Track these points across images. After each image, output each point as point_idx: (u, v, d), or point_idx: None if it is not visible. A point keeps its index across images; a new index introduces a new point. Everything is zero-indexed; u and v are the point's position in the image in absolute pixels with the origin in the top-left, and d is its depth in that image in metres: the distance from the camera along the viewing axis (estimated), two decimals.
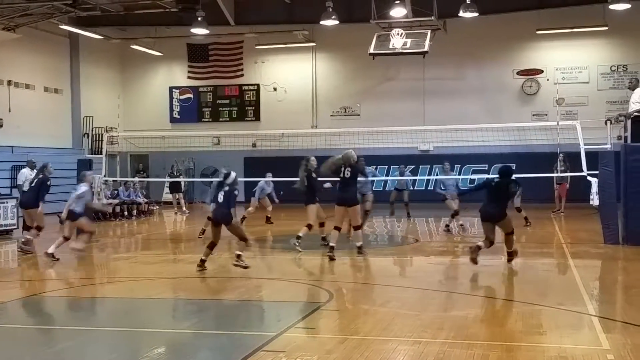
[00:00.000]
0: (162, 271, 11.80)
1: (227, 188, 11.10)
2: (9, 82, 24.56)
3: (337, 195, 12.30)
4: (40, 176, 14.33)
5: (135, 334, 7.56)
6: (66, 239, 12.76)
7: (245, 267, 10.97)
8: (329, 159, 12.73)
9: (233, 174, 11.29)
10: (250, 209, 18.45)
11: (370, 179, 15.72)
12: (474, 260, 10.89)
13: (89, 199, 13.27)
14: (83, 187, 12.98)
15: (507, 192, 11.13)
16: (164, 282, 10.68)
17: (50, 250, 12.36)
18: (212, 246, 11.18)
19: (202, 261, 11.08)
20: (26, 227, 14.74)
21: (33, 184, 14.36)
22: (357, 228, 12.47)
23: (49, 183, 14.30)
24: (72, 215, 12.72)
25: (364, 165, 13.47)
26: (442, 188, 16.40)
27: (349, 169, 12.19)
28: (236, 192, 11.22)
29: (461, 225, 16.48)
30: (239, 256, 11.09)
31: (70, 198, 12.88)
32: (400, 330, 7.31)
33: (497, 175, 11.27)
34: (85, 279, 11.60)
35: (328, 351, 6.52)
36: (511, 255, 11.33)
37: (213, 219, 11.40)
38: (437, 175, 15.74)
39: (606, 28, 24.91)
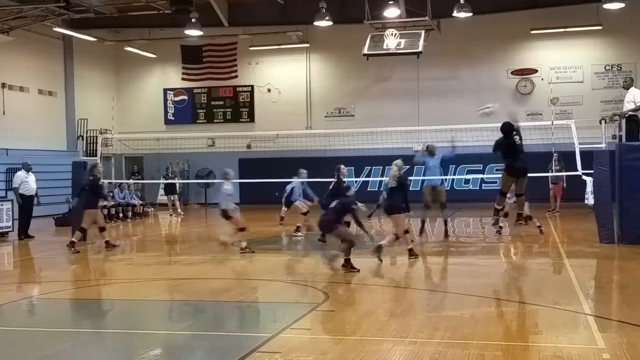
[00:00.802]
0: (158, 273, 11.79)
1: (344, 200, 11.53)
2: (3, 85, 24.51)
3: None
4: (91, 177, 14.76)
5: (131, 335, 7.55)
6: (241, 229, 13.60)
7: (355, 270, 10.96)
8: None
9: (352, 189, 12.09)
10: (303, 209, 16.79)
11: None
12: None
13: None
14: (228, 185, 13.72)
15: (520, 144, 12.48)
16: (160, 284, 10.67)
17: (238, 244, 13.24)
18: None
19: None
20: (82, 230, 14.80)
21: (87, 186, 14.73)
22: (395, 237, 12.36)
23: (100, 182, 15.14)
24: (225, 213, 13.47)
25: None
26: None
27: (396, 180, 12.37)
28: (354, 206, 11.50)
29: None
30: (347, 261, 11.05)
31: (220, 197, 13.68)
32: (396, 330, 7.32)
33: (502, 135, 12.51)
34: (80, 281, 11.59)
35: (324, 352, 6.52)
36: (528, 219, 12.75)
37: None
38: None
39: (600, 27, 24.98)
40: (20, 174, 17.45)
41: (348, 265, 10.95)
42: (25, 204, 17.28)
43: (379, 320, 7.79)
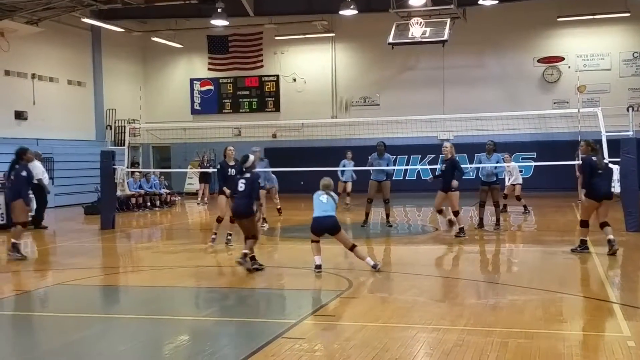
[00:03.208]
0: (184, 260, 11.93)
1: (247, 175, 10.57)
2: (33, 76, 24.87)
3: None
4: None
5: (158, 321, 7.68)
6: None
7: None
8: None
9: (252, 157, 10.71)
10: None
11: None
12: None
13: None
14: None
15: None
16: (186, 271, 10.81)
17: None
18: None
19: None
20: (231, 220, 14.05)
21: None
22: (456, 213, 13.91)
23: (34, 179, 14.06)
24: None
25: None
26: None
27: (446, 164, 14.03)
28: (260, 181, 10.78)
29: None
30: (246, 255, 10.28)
31: None
32: (419, 317, 7.35)
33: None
34: (109, 267, 11.79)
35: (347, 338, 6.58)
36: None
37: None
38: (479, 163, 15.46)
39: (628, 14, 24.65)
40: (39, 164, 17.22)
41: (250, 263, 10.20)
42: (38, 194, 16.89)
43: (402, 307, 7.84)
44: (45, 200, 17.50)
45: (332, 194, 10.24)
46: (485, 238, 14.12)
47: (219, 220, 13.31)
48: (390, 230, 15.69)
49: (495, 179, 15.25)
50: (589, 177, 11.12)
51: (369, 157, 16.19)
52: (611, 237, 11.16)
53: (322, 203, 10.09)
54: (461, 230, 13.79)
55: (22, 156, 12.70)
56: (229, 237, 13.07)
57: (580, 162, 19.76)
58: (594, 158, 11.14)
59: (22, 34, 23.25)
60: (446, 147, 14.12)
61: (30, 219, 13.19)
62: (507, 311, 7.60)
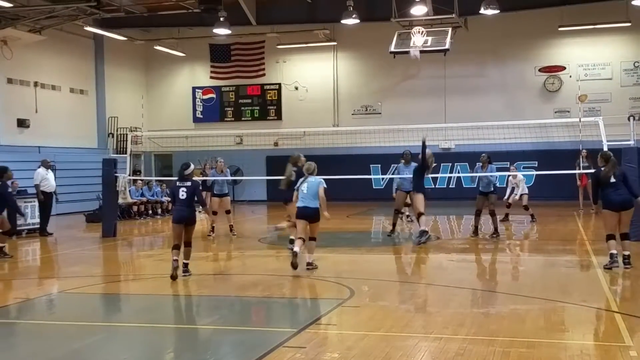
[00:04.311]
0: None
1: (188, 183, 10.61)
2: (36, 84, 24.92)
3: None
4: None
5: (159, 329, 7.68)
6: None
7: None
8: None
9: (192, 166, 10.83)
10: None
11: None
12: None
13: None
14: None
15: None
16: (187, 279, 10.80)
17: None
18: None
19: None
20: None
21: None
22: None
23: (9, 190, 14.59)
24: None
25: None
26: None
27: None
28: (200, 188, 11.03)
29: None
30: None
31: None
32: (421, 326, 7.35)
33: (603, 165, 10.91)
34: (110, 276, 11.79)
35: (349, 347, 6.57)
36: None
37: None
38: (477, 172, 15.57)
39: (629, 24, 24.66)
40: (40, 171, 17.60)
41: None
42: (45, 201, 17.40)
43: (404, 317, 7.84)
44: (49, 208, 17.65)
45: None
46: (486, 247, 14.11)
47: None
48: (394, 238, 15.65)
49: (492, 189, 15.30)
50: (601, 189, 10.86)
51: (395, 166, 16.17)
52: (627, 252, 10.81)
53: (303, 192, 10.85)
54: (424, 233, 13.83)
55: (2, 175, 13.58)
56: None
57: (580, 171, 20.01)
58: (602, 169, 10.88)
59: (25, 42, 23.32)
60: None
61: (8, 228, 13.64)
62: (509, 320, 7.60)
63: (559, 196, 23.59)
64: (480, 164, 15.32)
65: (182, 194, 10.51)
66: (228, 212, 16.85)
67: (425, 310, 8.19)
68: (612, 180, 10.72)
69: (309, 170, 11.04)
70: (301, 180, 11.05)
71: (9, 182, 14.26)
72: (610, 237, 10.82)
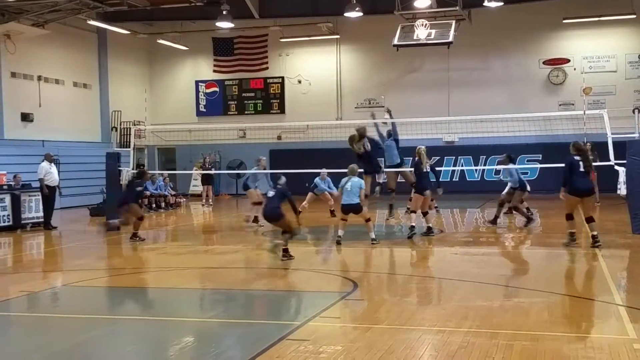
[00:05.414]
0: (190, 262, 11.96)
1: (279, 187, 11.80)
2: (39, 78, 24.94)
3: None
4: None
5: (164, 322, 7.69)
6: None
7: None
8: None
9: (284, 179, 12.06)
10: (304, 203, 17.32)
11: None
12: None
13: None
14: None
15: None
16: (191, 273, 10.83)
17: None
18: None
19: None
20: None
21: None
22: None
23: None
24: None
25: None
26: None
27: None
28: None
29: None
30: (286, 250, 11.30)
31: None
32: (424, 319, 7.35)
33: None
34: (115, 269, 11.82)
35: (352, 340, 6.59)
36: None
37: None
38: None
39: (634, 16, 24.58)
40: (44, 165, 17.64)
41: (287, 254, 11.27)
42: (49, 195, 17.47)
43: (408, 309, 7.84)
44: (52, 202, 17.70)
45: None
46: (489, 240, 14.11)
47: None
48: (396, 232, 15.66)
49: (519, 185, 15.87)
50: (569, 175, 11.96)
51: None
52: (595, 232, 12.07)
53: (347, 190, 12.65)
54: (412, 228, 13.98)
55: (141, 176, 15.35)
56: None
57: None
58: (576, 158, 11.99)
59: (29, 36, 23.31)
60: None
61: None
62: (513, 313, 7.59)
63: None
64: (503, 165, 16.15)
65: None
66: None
67: (428, 303, 8.19)
68: (581, 169, 11.92)
69: (353, 172, 12.94)
70: (345, 179, 12.91)
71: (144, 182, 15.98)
72: (569, 216, 12.23)
